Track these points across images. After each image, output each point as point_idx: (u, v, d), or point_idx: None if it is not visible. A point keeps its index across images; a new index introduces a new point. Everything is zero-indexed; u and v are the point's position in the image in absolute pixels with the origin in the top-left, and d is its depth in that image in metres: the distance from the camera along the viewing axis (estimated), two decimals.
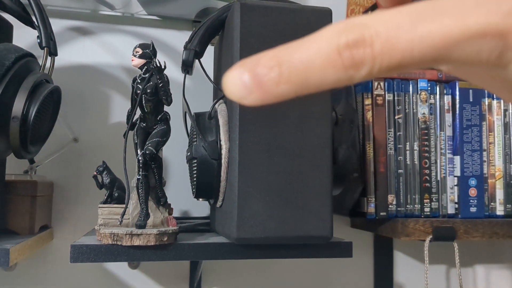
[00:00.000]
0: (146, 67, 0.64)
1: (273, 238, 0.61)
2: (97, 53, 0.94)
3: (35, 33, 0.66)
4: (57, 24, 0.93)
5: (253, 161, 0.61)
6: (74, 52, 0.93)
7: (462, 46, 0.18)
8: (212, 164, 0.64)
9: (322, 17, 0.65)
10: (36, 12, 0.62)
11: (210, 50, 0.92)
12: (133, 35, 0.96)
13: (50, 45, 0.63)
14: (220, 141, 0.64)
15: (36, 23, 0.63)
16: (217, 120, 0.65)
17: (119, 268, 0.91)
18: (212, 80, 0.84)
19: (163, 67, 0.62)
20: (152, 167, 0.63)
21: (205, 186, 0.65)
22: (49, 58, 0.66)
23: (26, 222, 0.73)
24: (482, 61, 0.19)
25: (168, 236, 0.61)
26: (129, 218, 0.64)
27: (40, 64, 0.65)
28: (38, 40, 0.63)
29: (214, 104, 0.68)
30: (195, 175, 0.64)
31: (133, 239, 0.59)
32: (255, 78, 0.19)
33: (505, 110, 0.89)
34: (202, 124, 0.66)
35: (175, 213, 0.95)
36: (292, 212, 0.62)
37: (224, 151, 0.63)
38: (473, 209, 0.85)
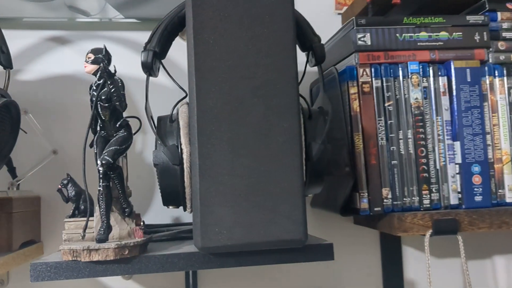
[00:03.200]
0: (100, 72, 0.61)
1: (241, 245, 0.57)
2: (76, 61, 0.92)
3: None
4: (34, 35, 0.92)
5: (215, 164, 0.57)
6: (53, 63, 0.92)
7: None
8: (174, 170, 0.60)
9: (283, 5, 0.61)
10: None
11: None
12: (112, 40, 0.94)
13: (0, 58, 0.60)
14: (181, 145, 0.60)
15: None
16: (178, 123, 0.61)
17: (113, 279, 0.89)
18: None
19: (113, 71, 0.59)
20: (112, 177, 0.60)
21: (170, 193, 0.61)
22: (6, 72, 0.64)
23: (3, 239, 0.72)
24: None
25: (130, 249, 0.58)
26: (93, 232, 0.61)
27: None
28: None
29: (175, 106, 0.64)
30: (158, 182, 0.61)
31: (91, 254, 0.56)
32: None
33: (510, 88, 0.82)
34: (164, 128, 0.63)
35: (167, 220, 0.93)
36: (261, 216, 0.58)
37: (185, 156, 0.59)
38: (478, 198, 0.79)
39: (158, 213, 0.92)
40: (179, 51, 0.86)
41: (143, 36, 0.94)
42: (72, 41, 0.93)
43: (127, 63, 0.93)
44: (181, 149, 0.60)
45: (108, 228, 0.59)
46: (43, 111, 0.90)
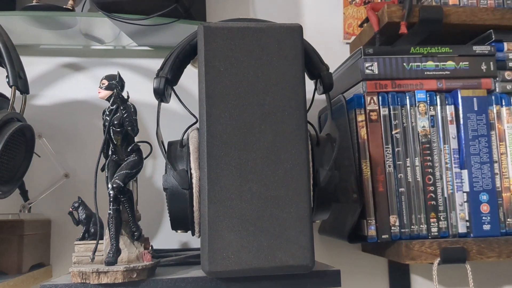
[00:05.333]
0: (113, 98, 0.62)
1: (248, 270, 0.57)
2: (90, 87, 0.95)
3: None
4: (50, 62, 0.95)
5: (224, 188, 0.58)
6: (67, 88, 0.94)
7: None
8: (183, 194, 0.61)
9: (292, 35, 0.62)
10: (3, 52, 0.63)
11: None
12: (125, 67, 0.96)
13: (18, 84, 0.63)
14: (190, 169, 0.61)
15: (3, 62, 0.63)
16: (188, 147, 0.63)
17: None
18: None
19: (126, 97, 0.61)
20: (122, 201, 0.61)
21: (178, 217, 0.62)
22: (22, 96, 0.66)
23: (14, 262, 0.73)
24: None
25: (138, 272, 0.58)
26: (103, 255, 0.62)
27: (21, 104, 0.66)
28: (7, 80, 0.63)
29: (185, 131, 0.65)
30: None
31: (100, 277, 0.57)
32: None
33: None
34: (174, 152, 0.64)
35: (175, 245, 0.93)
36: (268, 241, 0.58)
37: (194, 180, 0.60)
38: (486, 227, 0.78)
39: (166, 238, 0.92)
40: (190, 78, 0.88)
41: (156, 63, 0.97)
42: (86, 67, 0.95)
43: (139, 89, 0.95)
44: (191, 174, 0.61)
45: (117, 251, 0.60)
46: (56, 135, 0.92)
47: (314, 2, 1.04)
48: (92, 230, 0.66)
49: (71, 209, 0.68)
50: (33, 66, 0.93)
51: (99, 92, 0.63)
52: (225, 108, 0.60)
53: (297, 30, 0.63)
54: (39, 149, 0.83)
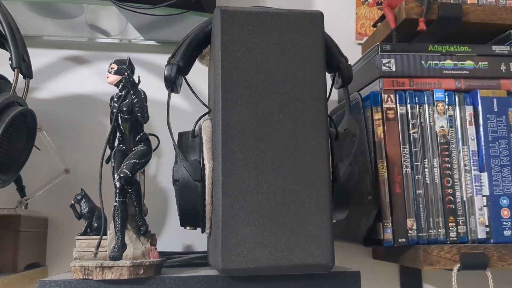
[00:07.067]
0: (122, 84, 0.59)
1: (264, 268, 0.53)
2: (94, 81, 0.91)
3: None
4: (53, 54, 0.91)
5: (239, 180, 0.55)
6: (70, 82, 0.91)
7: None
8: (195, 186, 0.57)
9: (313, 21, 0.59)
10: (7, 32, 0.59)
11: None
12: None
13: (21, 66, 0.59)
14: (203, 160, 0.57)
15: (7, 43, 0.59)
16: (201, 137, 0.59)
17: None
18: (207, 97, 0.79)
19: (137, 81, 0.57)
20: (129, 192, 0.57)
21: (189, 211, 0.58)
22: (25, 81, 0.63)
23: (9, 259, 0.68)
24: None
25: (145, 268, 0.54)
26: (106, 251, 0.58)
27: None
28: (10, 62, 0.59)
29: (197, 121, 0.62)
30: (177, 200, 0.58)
31: (104, 272, 0.52)
32: None
33: None
34: (185, 143, 0.60)
35: (177, 248, 0.89)
36: (286, 237, 0.54)
37: (207, 171, 0.56)
38: (507, 233, 0.75)
39: (169, 241, 0.88)
40: (196, 74, 0.84)
41: (162, 59, 0.94)
42: (90, 61, 0.92)
43: (144, 85, 0.91)
44: (203, 165, 0.57)
45: (122, 246, 0.56)
46: (57, 129, 0.88)
47: (326, 2, 1.01)
48: (95, 224, 0.62)
49: (73, 201, 0.63)
50: (35, 58, 0.89)
51: (107, 77, 0.59)
52: (242, 95, 0.56)
53: (318, 16, 0.60)
54: (39, 143, 0.79)
